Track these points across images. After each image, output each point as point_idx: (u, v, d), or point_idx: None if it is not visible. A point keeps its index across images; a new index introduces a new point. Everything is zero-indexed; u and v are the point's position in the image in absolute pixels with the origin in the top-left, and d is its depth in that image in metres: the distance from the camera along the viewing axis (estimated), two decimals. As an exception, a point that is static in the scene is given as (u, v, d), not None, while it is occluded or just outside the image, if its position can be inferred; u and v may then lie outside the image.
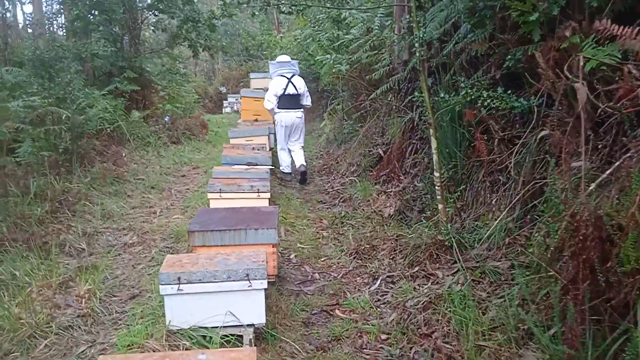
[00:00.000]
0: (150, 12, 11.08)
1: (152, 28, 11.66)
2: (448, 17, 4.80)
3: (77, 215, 4.81)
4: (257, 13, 9.35)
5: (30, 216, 4.31)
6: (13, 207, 4.34)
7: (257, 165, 5.35)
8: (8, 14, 12.70)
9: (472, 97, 3.64)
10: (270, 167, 5.62)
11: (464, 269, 3.46)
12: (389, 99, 6.94)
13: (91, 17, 10.68)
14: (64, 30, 10.60)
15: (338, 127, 9.05)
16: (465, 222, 4.20)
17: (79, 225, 4.59)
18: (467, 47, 4.55)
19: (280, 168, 7.27)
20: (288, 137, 7.19)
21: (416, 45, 3.61)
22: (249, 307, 2.74)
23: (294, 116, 7.25)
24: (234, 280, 2.69)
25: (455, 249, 3.60)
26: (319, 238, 4.76)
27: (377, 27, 6.51)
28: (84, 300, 3.22)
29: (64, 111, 5.81)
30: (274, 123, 7.95)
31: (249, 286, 2.70)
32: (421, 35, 3.52)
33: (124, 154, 7.93)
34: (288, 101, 7.23)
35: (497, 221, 3.85)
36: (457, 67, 4.75)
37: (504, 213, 3.82)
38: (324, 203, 6.02)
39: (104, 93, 8.79)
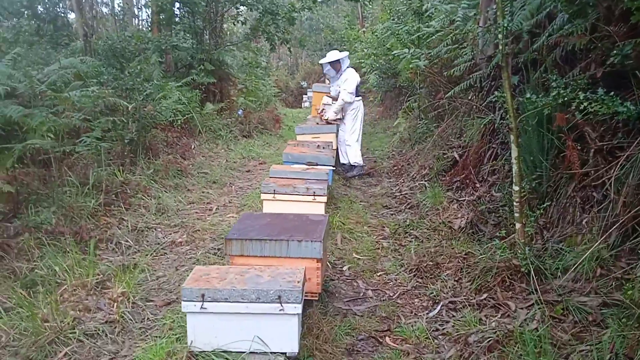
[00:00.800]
0: (231, 5, 11.05)
1: (233, 21, 11.62)
2: (542, 6, 4.19)
3: (131, 209, 4.72)
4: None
5: (83, 208, 4.24)
6: (67, 198, 4.29)
7: (317, 165, 5.00)
8: (104, 8, 13.28)
9: (565, 98, 3.05)
10: (332, 167, 5.24)
11: (542, 303, 2.91)
12: (469, 97, 6.34)
13: (175, 9, 10.87)
14: (150, 23, 10.76)
15: (413, 126, 8.51)
16: (548, 244, 3.61)
17: (130, 219, 4.48)
18: (563, 40, 3.92)
19: (355, 161, 6.89)
20: None
21: (499, 37, 3.08)
22: (280, 333, 2.40)
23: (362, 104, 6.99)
24: (265, 302, 2.36)
25: (533, 277, 3.05)
26: (378, 249, 4.33)
27: (460, 19, 5.92)
28: (116, 304, 3.03)
29: (129, 102, 5.77)
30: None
31: (281, 310, 2.35)
32: (505, 25, 2.99)
33: (193, 146, 7.91)
34: (359, 89, 6.97)
35: (587, 246, 3.24)
36: (549, 64, 4.12)
37: (597, 238, 3.21)
38: (389, 208, 5.57)
39: (180, 85, 8.82)
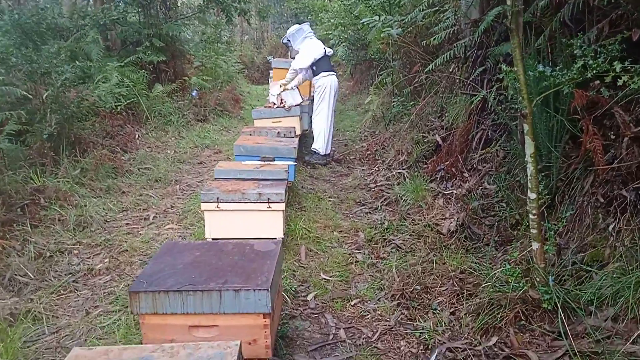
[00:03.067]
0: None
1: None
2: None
3: (41, 225, 3.76)
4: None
5: (-30, 231, 3.29)
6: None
7: (274, 160, 4.10)
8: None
9: (596, 71, 2.22)
10: (293, 162, 4.35)
11: (575, 356, 2.13)
12: (450, 70, 5.50)
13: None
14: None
15: (386, 103, 7.65)
16: (565, 258, 2.83)
17: (39, 240, 3.53)
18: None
19: (316, 147, 6.03)
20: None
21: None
22: None
23: (336, 80, 6.06)
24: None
25: (561, 317, 2.26)
26: (352, 263, 3.50)
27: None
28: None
29: (45, 89, 4.75)
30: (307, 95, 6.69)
31: None
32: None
33: (137, 136, 6.90)
34: (328, 62, 6.10)
35: (621, 265, 2.47)
36: (556, 26, 3.29)
37: (636, 255, 2.43)
38: (363, 205, 4.73)
39: (122, 65, 7.74)
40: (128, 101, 7.39)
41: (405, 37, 6.42)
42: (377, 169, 5.74)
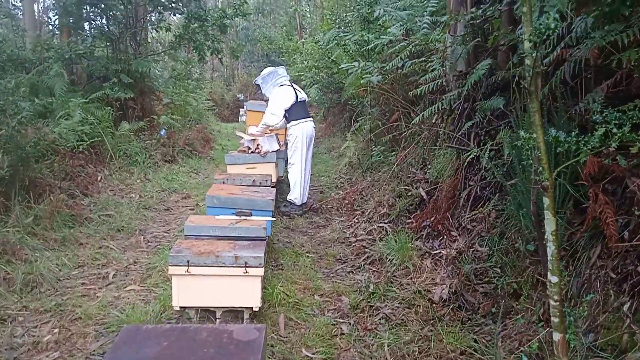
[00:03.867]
0: (152, 9, 9.62)
1: (155, 27, 10.16)
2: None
3: (-19, 287, 3.29)
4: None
5: None
6: None
7: (250, 215, 3.75)
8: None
9: (621, 140, 2.01)
10: (271, 218, 4.02)
11: None
12: (433, 121, 5.33)
13: (86, 12, 9.32)
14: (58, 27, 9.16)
15: (363, 149, 7.46)
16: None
17: (-23, 306, 3.06)
18: (576, 51, 2.93)
19: (292, 198, 5.72)
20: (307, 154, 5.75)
21: (527, 45, 1.99)
22: None
23: (312, 126, 5.80)
24: None
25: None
26: (336, 336, 3.14)
27: (425, 26, 4.90)
28: None
29: (-2, 128, 4.32)
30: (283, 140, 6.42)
31: None
32: (549, 26, 1.89)
33: (99, 178, 6.45)
34: (303, 109, 5.82)
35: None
36: (557, 83, 3.12)
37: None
38: (344, 262, 4.41)
39: (86, 101, 7.32)
40: (91, 140, 6.96)
41: (385, 84, 6.28)
42: (356, 220, 5.45)
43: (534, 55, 2.05)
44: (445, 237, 4.21)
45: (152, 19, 10.30)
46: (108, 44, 9.54)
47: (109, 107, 8.03)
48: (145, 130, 8.53)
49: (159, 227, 5.18)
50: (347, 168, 7.62)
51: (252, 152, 5.67)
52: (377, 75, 5.82)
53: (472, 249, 3.83)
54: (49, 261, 3.88)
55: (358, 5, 6.80)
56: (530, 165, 3.16)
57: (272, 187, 5.03)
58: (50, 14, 10.18)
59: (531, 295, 3.17)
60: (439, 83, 4.50)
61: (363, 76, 6.09)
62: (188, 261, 2.97)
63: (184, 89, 11.49)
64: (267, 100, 5.98)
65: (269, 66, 6.20)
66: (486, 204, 3.98)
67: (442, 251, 4.03)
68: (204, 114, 13.44)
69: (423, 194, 4.72)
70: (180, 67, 12.63)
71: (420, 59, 4.79)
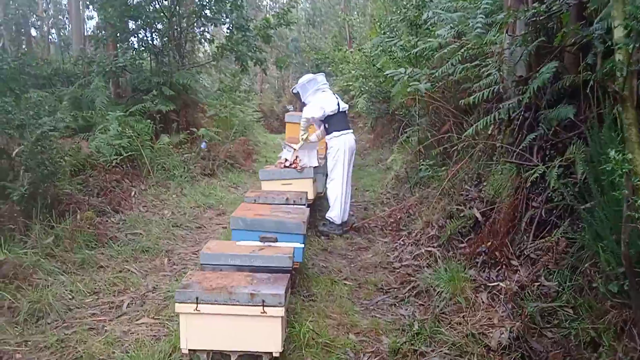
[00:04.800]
0: (196, 20, 9.47)
1: (197, 38, 10.02)
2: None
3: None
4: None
5: None
6: None
7: (276, 241, 3.31)
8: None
9: None
10: (301, 244, 3.56)
11: None
12: (489, 133, 4.74)
13: (131, 24, 9.26)
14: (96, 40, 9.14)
15: (411, 162, 6.90)
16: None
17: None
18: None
19: (331, 216, 5.26)
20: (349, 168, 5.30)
21: (618, 34, 1.45)
22: None
23: (354, 138, 5.35)
24: None
25: None
26: (373, 389, 2.64)
27: (478, 26, 4.34)
28: None
29: (18, 144, 4.10)
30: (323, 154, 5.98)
31: None
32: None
33: (133, 193, 6.22)
34: (344, 119, 5.39)
35: None
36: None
37: None
38: (386, 292, 3.89)
39: (123, 114, 7.16)
40: (128, 154, 6.78)
41: (434, 92, 5.73)
42: (401, 242, 4.91)
43: (629, 47, 1.51)
44: (504, 266, 3.62)
45: (196, 31, 10.21)
46: (152, 56, 9.49)
47: (149, 120, 7.89)
48: (185, 144, 8.33)
49: (188, 247, 4.84)
50: (394, 182, 7.09)
51: (288, 167, 5.24)
52: (425, 83, 5.29)
53: (537, 284, 3.23)
54: (62, 287, 3.59)
55: (405, 8, 6.30)
56: (612, 187, 2.58)
57: (308, 205, 4.59)
58: (94, 27, 10.17)
59: (614, 347, 2.56)
60: (495, 90, 3.93)
61: (410, 84, 5.58)
62: (197, 298, 2.55)
63: (231, 100, 11.29)
64: None
65: (309, 73, 5.78)
66: (554, 231, 3.38)
67: (501, 284, 3.45)
68: (251, 125, 13.25)
69: (478, 215, 4.14)
70: (228, 79, 12.51)
71: (474, 64, 4.22)
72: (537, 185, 3.74)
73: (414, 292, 3.79)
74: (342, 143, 5.21)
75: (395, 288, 3.96)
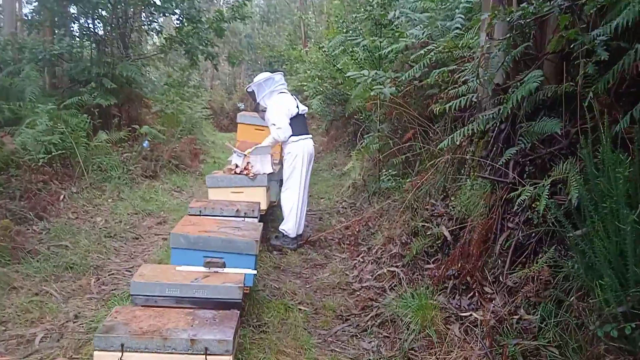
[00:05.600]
0: (141, 7, 8.77)
1: (143, 28, 9.31)
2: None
3: None
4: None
5: None
6: None
7: (224, 266, 2.83)
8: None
9: None
10: (253, 270, 3.08)
11: None
12: (456, 142, 4.42)
13: (70, 9, 8.47)
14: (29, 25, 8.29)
15: (370, 168, 6.55)
16: None
17: None
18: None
19: (285, 229, 4.81)
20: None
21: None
22: None
23: (312, 144, 4.92)
24: None
25: None
26: None
27: (457, 28, 4.01)
28: None
29: None
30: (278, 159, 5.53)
31: None
32: None
33: (62, 197, 5.54)
34: (303, 123, 4.97)
35: None
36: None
37: None
38: (346, 320, 3.48)
39: (54, 107, 6.41)
40: (59, 152, 6.07)
41: (397, 97, 5.38)
42: (361, 259, 4.52)
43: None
44: (477, 294, 3.28)
45: (144, 20, 9.49)
46: (93, 45, 8.72)
47: (86, 115, 7.17)
48: (126, 142, 7.64)
49: (121, 262, 4.26)
50: (351, 191, 6.71)
51: (238, 174, 4.74)
52: (389, 87, 4.94)
53: (516, 317, 2.90)
54: (-41, 316, 2.96)
55: (370, 6, 5.92)
56: (614, 215, 2.26)
57: (260, 219, 4.11)
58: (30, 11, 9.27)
59: (609, 398, 2.25)
60: (470, 99, 3.58)
61: (373, 87, 5.21)
62: (122, 345, 2.04)
63: (179, 96, 10.61)
64: (259, 111, 5.08)
65: (266, 71, 5.27)
66: (533, 257, 3.06)
67: (474, 314, 3.10)
68: (200, 123, 12.60)
69: (446, 234, 3.79)
70: (176, 74, 11.80)
71: (450, 68, 3.87)
72: (512, 204, 3.44)
73: (378, 320, 3.39)
74: (301, 149, 4.77)
75: (355, 315, 3.55)
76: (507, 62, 3.24)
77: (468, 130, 3.38)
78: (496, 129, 3.63)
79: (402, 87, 5.37)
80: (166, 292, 2.48)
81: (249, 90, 5.00)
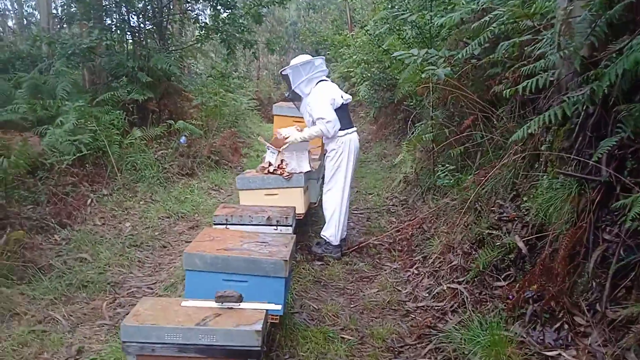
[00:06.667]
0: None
1: (178, 18, 8.90)
2: None
3: None
4: None
5: None
6: None
7: (240, 301, 2.26)
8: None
9: None
10: (277, 307, 2.49)
11: None
12: (529, 132, 3.67)
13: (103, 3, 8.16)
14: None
15: (423, 160, 5.84)
16: None
17: None
18: None
19: (327, 235, 4.23)
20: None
21: None
22: None
23: (357, 138, 4.31)
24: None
25: None
26: None
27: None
28: None
29: None
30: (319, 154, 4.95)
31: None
32: None
33: (90, 200, 5.18)
34: (347, 115, 4.36)
35: None
36: None
37: None
38: (398, 354, 2.86)
39: (82, 104, 6.05)
40: (89, 151, 5.73)
41: (453, 79, 4.66)
42: (415, 271, 3.88)
43: None
44: (566, 325, 2.58)
45: (186, 9, 9.11)
46: (127, 38, 8.41)
47: (121, 111, 6.83)
48: (162, 138, 7.26)
49: (144, 276, 3.81)
50: (403, 186, 6.03)
51: (272, 173, 4.18)
52: (445, 68, 4.22)
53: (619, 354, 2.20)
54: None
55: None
56: None
57: (297, 224, 3.55)
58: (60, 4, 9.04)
59: None
60: (547, 77, 2.84)
61: (424, 69, 4.51)
62: None
63: (223, 88, 10.18)
64: (294, 100, 4.50)
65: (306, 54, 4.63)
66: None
67: (564, 354, 2.42)
68: (245, 114, 12.20)
69: (521, 245, 3.09)
70: (220, 65, 11.40)
71: (523, 38, 3.13)
72: (608, 208, 2.70)
73: (438, 357, 2.75)
74: (347, 145, 4.15)
75: (410, 346, 2.92)
76: (601, 27, 2.49)
77: (548, 116, 2.65)
78: (582, 113, 2.88)
79: (458, 67, 4.64)
80: (165, 339, 1.96)
81: (284, 73, 4.40)
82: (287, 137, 4.20)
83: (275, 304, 2.25)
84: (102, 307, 3.24)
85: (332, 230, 4.17)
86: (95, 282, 3.56)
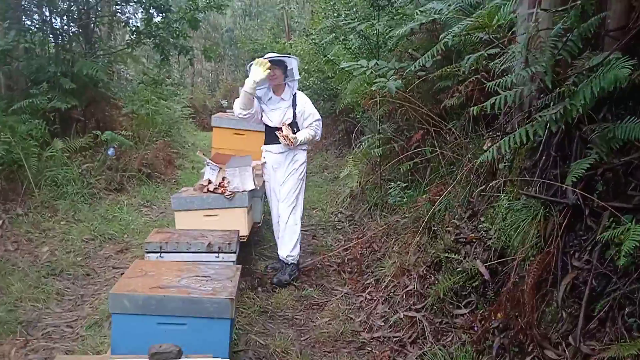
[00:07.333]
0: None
1: (105, 20, 8.30)
2: None
3: None
4: None
5: None
6: None
7: (178, 357, 1.90)
8: None
9: None
10: (225, 356, 2.15)
11: None
12: (503, 153, 3.53)
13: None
14: None
15: (369, 174, 5.64)
16: None
17: None
18: None
19: (293, 255, 3.92)
20: None
21: None
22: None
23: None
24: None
25: None
26: None
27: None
28: None
29: None
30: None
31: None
32: None
33: (0, 223, 4.57)
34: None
35: None
36: None
37: None
38: (358, 395, 2.58)
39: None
40: (2, 165, 5.11)
41: (402, 91, 4.48)
42: (368, 296, 3.63)
43: None
44: (537, 359, 2.40)
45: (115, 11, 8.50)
46: (51, 41, 7.71)
47: (41, 121, 6.17)
48: (87, 150, 6.65)
49: (63, 312, 3.32)
50: (349, 201, 5.81)
51: (212, 192, 3.81)
52: (396, 81, 4.04)
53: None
54: None
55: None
56: None
57: (241, 248, 3.20)
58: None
59: None
60: (519, 93, 2.67)
61: (374, 81, 4.30)
62: None
63: (155, 95, 9.58)
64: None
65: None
66: (621, 311, 2.19)
67: (537, 394, 2.23)
68: (179, 123, 11.66)
69: (484, 271, 2.90)
70: (152, 71, 10.78)
71: (486, 52, 2.96)
72: (576, 233, 2.57)
73: (402, 399, 2.50)
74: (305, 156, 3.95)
75: (369, 386, 2.65)
76: (574, 41, 2.35)
77: (519, 136, 2.47)
78: (545, 132, 2.75)
79: (407, 80, 4.48)
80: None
81: (284, 59, 3.94)
82: (295, 136, 3.86)
83: (221, 358, 1.90)
84: (10, 353, 2.74)
85: (298, 250, 3.88)
86: (3, 321, 3.04)
